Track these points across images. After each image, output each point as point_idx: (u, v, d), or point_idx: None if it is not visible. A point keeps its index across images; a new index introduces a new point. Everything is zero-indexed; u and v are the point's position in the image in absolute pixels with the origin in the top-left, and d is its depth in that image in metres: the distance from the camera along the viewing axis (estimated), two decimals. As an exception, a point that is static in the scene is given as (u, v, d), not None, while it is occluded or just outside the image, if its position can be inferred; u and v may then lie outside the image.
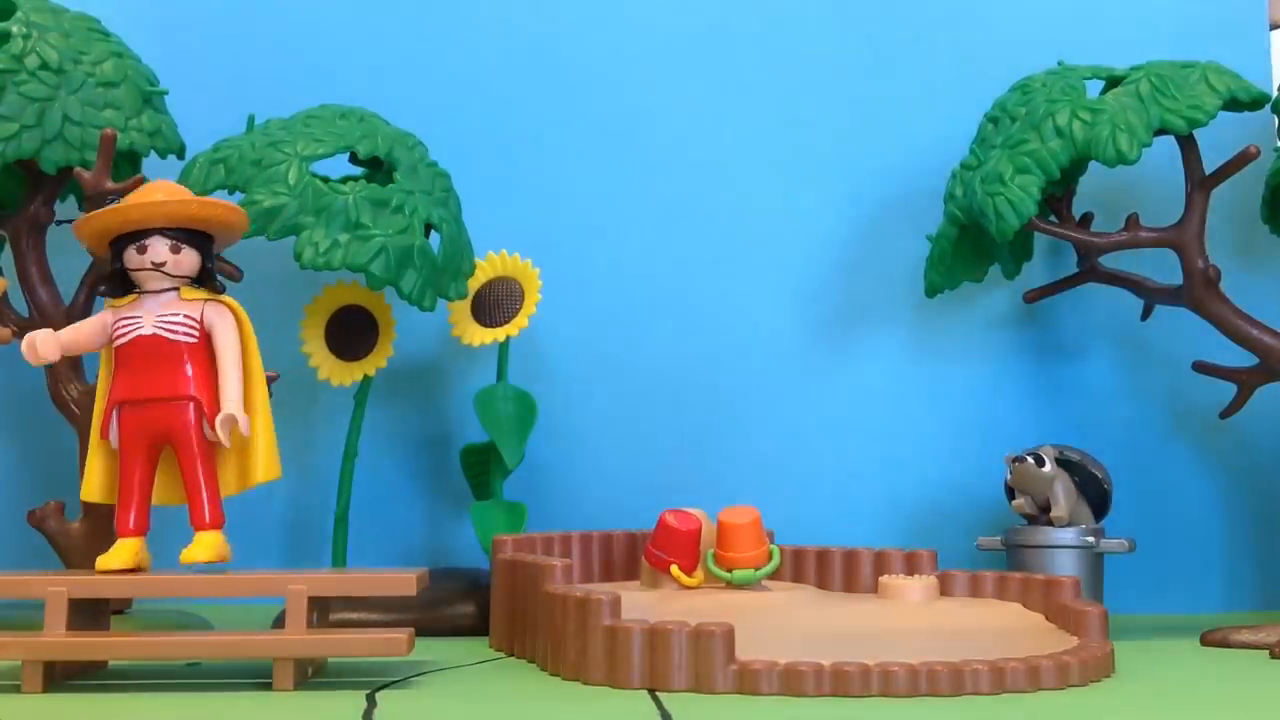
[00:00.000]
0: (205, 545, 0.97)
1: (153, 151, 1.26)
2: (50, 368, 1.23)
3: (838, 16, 1.47)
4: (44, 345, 0.98)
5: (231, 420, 0.97)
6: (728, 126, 1.46)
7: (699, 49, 1.47)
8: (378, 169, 1.26)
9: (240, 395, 0.98)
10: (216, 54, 1.46)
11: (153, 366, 0.97)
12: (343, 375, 1.27)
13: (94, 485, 1.01)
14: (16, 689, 0.91)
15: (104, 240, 1.00)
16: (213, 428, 0.97)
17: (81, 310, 1.26)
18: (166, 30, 1.43)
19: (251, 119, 1.26)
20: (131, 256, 0.98)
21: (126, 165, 1.26)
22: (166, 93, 1.29)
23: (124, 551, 0.97)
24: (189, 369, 0.98)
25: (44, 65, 1.16)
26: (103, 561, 0.97)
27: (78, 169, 1.15)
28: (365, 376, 1.28)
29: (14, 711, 0.84)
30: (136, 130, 1.23)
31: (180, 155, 1.29)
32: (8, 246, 1.26)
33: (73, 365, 1.23)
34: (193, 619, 1.22)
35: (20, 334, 1.22)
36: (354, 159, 1.26)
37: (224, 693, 0.92)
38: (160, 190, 1.00)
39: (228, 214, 1.01)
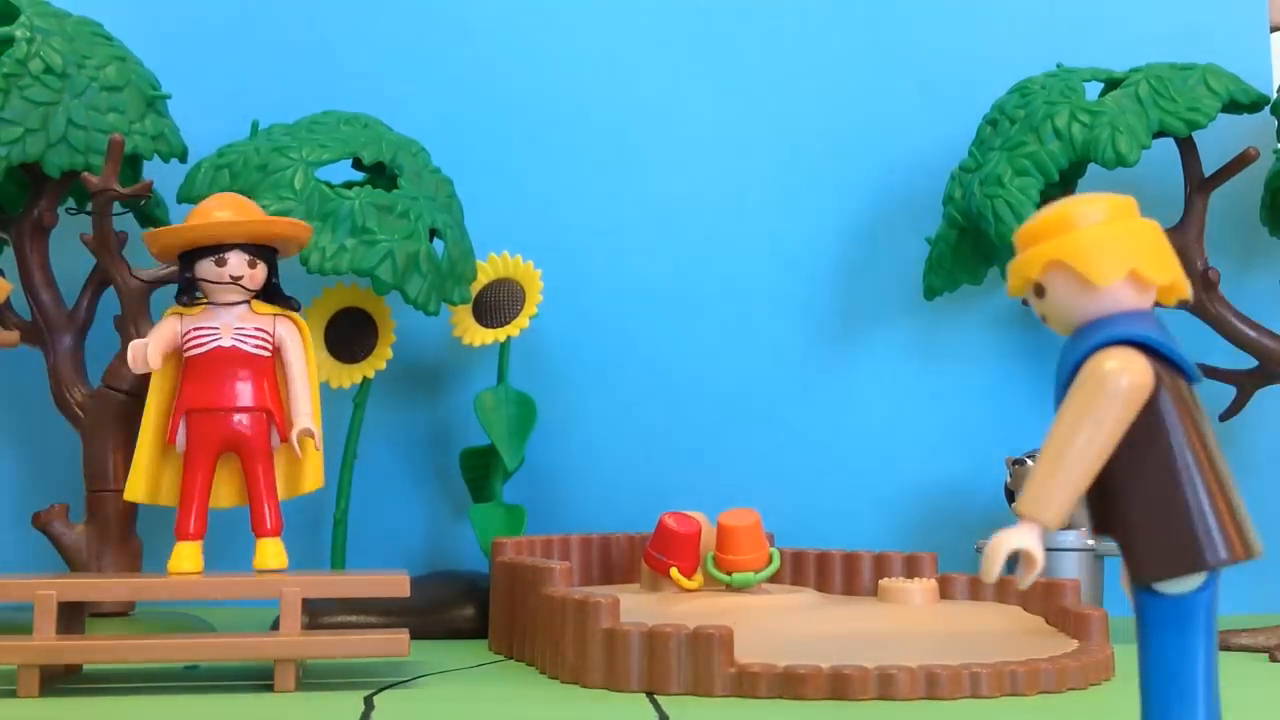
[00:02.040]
0: (274, 553, 1.02)
1: (155, 155, 1.26)
2: (54, 371, 1.23)
3: (837, 19, 1.47)
4: (153, 356, 1.00)
5: (308, 434, 1.01)
6: (727, 129, 1.47)
7: (698, 53, 1.48)
8: (381, 175, 1.27)
9: (312, 410, 1.02)
10: (219, 59, 1.46)
11: (229, 377, 1.01)
12: (342, 377, 1.28)
13: (140, 486, 1.02)
14: (12, 693, 0.91)
15: (176, 252, 1.02)
16: (283, 438, 1.01)
17: (85, 313, 1.27)
18: (170, 34, 1.43)
19: (255, 124, 1.27)
20: (208, 268, 1.01)
21: (129, 169, 1.26)
22: (169, 97, 1.29)
23: (191, 554, 1.00)
24: (265, 381, 1.02)
25: (48, 69, 1.17)
26: (174, 565, 1.00)
27: (84, 173, 1.15)
28: (364, 379, 1.28)
29: (11, 716, 0.85)
30: (140, 134, 1.23)
31: (183, 159, 1.29)
32: (11, 249, 1.27)
33: (76, 368, 1.24)
34: (195, 622, 1.22)
35: (25, 337, 1.23)
36: (358, 165, 1.26)
37: (222, 695, 0.92)
38: (232, 207, 1.02)
39: (303, 233, 1.05)
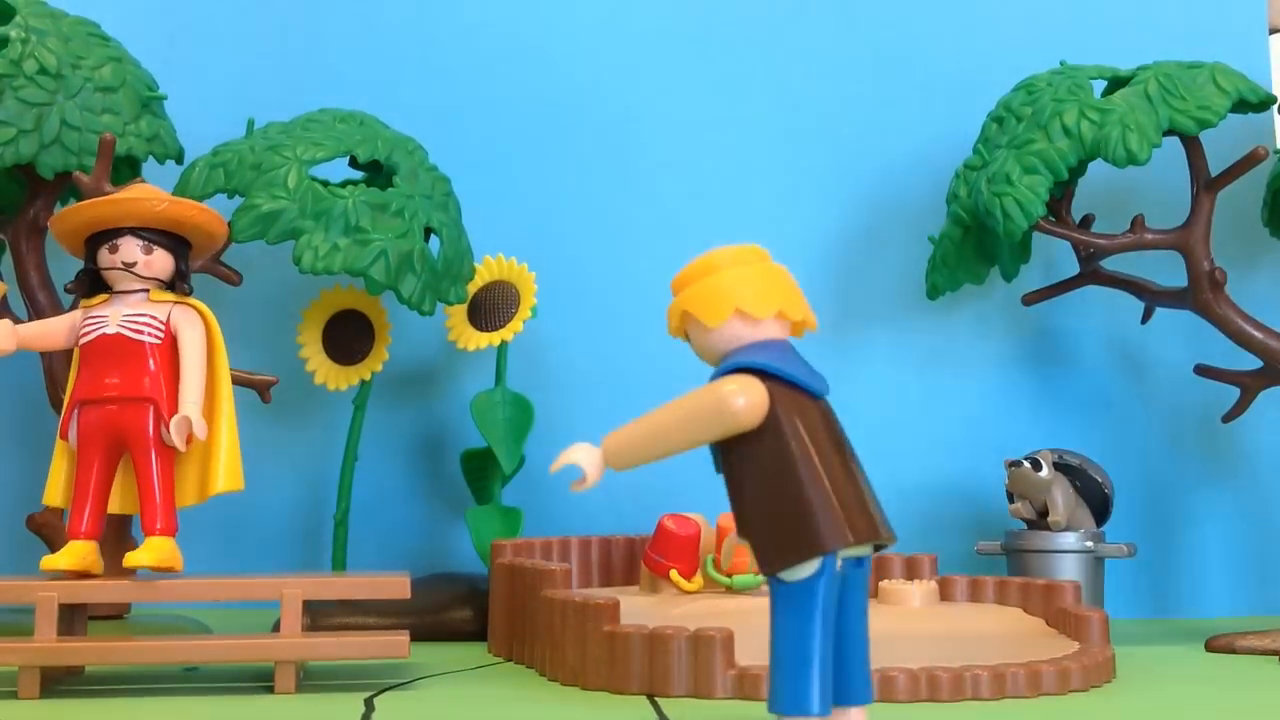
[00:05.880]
0: (151, 549, 0.94)
1: (151, 156, 1.26)
2: (49, 372, 1.22)
3: (839, 17, 1.47)
4: (5, 337, 0.96)
5: (186, 422, 0.94)
6: (727, 130, 1.46)
7: (697, 53, 1.47)
8: (377, 173, 1.26)
9: (199, 399, 0.96)
10: (215, 58, 1.46)
11: (113, 365, 0.95)
12: (339, 379, 1.27)
13: (57, 489, 0.98)
14: (13, 695, 0.91)
15: (78, 239, 0.99)
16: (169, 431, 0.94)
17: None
18: (166, 35, 1.43)
19: (251, 123, 1.26)
20: (104, 256, 0.97)
21: (125, 170, 1.26)
22: (165, 97, 1.28)
23: (72, 553, 0.94)
24: (149, 370, 0.95)
25: (42, 70, 1.16)
26: (48, 562, 0.95)
27: (77, 174, 1.14)
28: (362, 381, 1.28)
29: (11, 717, 0.84)
30: (135, 135, 1.22)
31: (179, 160, 1.29)
32: (7, 251, 1.26)
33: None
34: (192, 624, 1.22)
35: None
36: (354, 163, 1.26)
37: (222, 697, 0.91)
38: (134, 191, 0.99)
39: (199, 215, 0.99)
